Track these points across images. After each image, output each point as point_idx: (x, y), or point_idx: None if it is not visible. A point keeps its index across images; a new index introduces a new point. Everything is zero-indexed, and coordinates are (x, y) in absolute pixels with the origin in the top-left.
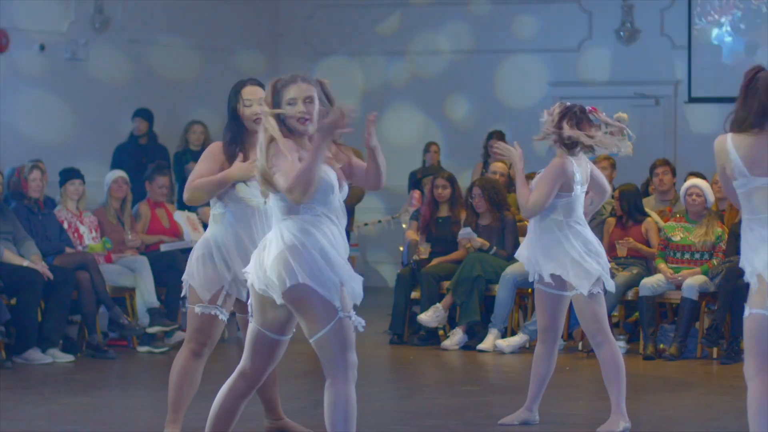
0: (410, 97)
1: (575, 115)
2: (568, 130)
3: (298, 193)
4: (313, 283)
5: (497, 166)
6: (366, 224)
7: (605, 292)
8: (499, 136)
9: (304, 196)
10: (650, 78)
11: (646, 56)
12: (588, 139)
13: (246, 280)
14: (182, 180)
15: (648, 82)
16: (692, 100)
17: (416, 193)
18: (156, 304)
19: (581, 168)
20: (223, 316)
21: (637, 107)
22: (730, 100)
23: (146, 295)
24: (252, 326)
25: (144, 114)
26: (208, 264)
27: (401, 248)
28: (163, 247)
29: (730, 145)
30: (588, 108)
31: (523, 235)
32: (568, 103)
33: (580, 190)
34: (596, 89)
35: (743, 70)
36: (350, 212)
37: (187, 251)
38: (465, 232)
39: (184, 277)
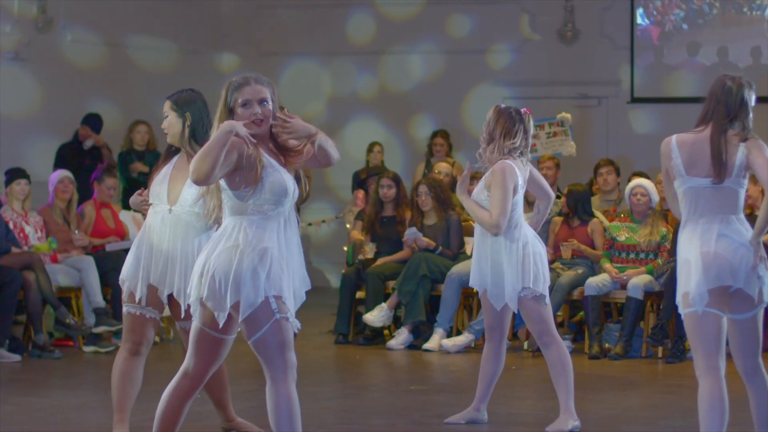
0: (354, 96)
1: (510, 118)
2: (502, 143)
3: (195, 174)
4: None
5: (441, 166)
6: (310, 224)
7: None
8: (444, 135)
9: (200, 176)
10: (592, 78)
11: (589, 57)
12: (523, 142)
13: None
14: (127, 180)
15: (590, 83)
16: (634, 100)
17: (360, 194)
18: (102, 304)
19: (521, 172)
20: (154, 315)
21: (579, 108)
22: (672, 100)
23: (92, 295)
24: (195, 325)
25: (91, 122)
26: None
27: (345, 248)
28: (108, 247)
29: (674, 145)
30: (523, 110)
31: (468, 234)
32: (503, 106)
33: (521, 194)
34: (538, 89)
35: (685, 71)
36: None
37: None
38: (411, 232)
39: (121, 277)
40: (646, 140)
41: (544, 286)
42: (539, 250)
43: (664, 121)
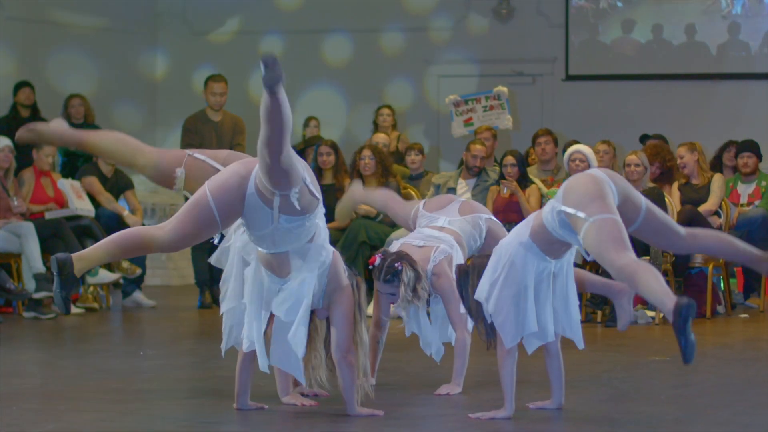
0: (290, 75)
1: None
2: None
3: None
4: None
5: (380, 137)
6: None
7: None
8: (389, 107)
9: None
10: (527, 56)
11: (523, 34)
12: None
13: None
14: (64, 152)
15: (525, 60)
16: (569, 78)
17: None
18: (42, 269)
19: None
20: None
21: (514, 85)
22: (606, 77)
23: (32, 260)
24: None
25: (29, 85)
26: None
27: None
28: (48, 215)
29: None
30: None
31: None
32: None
33: None
34: (473, 67)
35: (620, 48)
36: None
37: (72, 219)
38: None
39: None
40: (582, 117)
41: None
42: None
43: (599, 99)
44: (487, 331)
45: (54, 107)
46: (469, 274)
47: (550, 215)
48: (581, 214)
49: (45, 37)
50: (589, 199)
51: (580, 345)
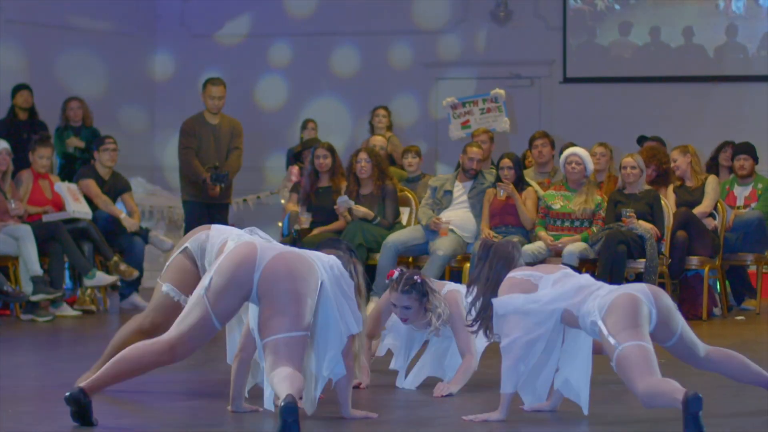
0: (288, 78)
1: None
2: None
3: None
4: None
5: (377, 140)
6: (245, 200)
7: None
8: (385, 108)
9: None
10: (525, 58)
11: (521, 37)
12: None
13: None
14: (63, 155)
15: (523, 63)
16: (567, 80)
17: (295, 169)
18: (39, 272)
19: None
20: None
21: (512, 88)
22: (604, 80)
23: (29, 263)
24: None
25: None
26: None
27: (280, 224)
28: (45, 218)
29: None
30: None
31: (404, 205)
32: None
33: None
34: (471, 70)
35: (617, 51)
36: (228, 185)
37: (69, 221)
38: (342, 200)
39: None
40: (579, 120)
41: None
42: None
43: (597, 101)
44: (485, 328)
45: (53, 110)
46: (491, 251)
47: (587, 320)
48: (612, 341)
49: (44, 40)
50: (623, 326)
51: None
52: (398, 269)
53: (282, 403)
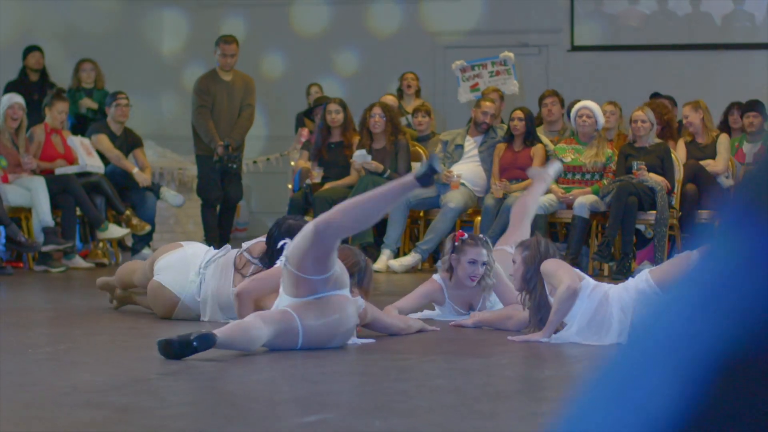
0: (290, 47)
1: None
2: None
3: None
4: None
5: (388, 98)
6: (255, 162)
7: None
8: (414, 75)
9: None
10: (532, 27)
11: (529, 5)
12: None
13: None
14: (75, 116)
15: (530, 31)
16: (575, 48)
17: (305, 131)
18: (51, 223)
19: None
20: None
21: (519, 56)
22: (612, 48)
23: (41, 214)
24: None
25: (39, 49)
26: None
27: (290, 185)
28: (58, 171)
29: None
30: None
31: (416, 159)
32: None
33: None
34: (478, 38)
35: (625, 19)
36: (240, 144)
37: (81, 175)
38: (360, 155)
39: None
40: (586, 88)
41: None
42: None
43: (604, 70)
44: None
45: (65, 71)
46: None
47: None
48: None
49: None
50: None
51: None
52: (463, 233)
53: (204, 331)
